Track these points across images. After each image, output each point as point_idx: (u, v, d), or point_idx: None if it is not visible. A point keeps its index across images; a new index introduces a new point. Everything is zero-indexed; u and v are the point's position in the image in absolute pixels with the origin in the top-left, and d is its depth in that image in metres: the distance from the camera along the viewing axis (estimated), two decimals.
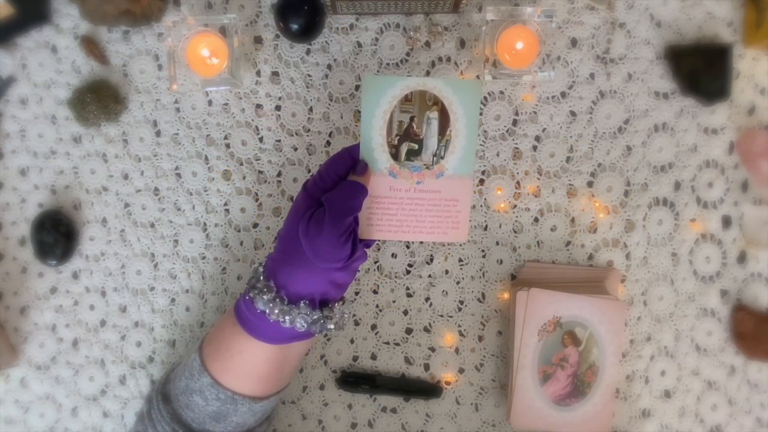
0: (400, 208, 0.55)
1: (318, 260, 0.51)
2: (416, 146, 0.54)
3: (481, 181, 0.68)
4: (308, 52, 0.68)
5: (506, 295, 0.68)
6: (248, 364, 0.55)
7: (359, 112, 0.68)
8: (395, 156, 0.54)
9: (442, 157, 0.55)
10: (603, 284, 0.67)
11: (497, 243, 0.68)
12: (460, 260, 0.68)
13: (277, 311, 0.52)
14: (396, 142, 0.54)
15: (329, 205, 0.51)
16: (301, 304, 0.52)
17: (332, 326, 0.54)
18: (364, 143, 0.54)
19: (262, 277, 0.53)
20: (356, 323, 0.69)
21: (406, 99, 0.54)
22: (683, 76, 0.66)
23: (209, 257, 0.69)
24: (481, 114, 0.67)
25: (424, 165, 0.55)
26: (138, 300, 0.69)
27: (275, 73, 0.68)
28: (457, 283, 0.68)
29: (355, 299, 0.68)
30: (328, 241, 0.50)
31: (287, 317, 0.52)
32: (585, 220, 0.68)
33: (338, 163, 0.53)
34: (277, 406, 0.63)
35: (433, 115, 0.54)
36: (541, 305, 0.64)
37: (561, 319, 0.64)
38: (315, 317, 0.52)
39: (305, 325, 0.52)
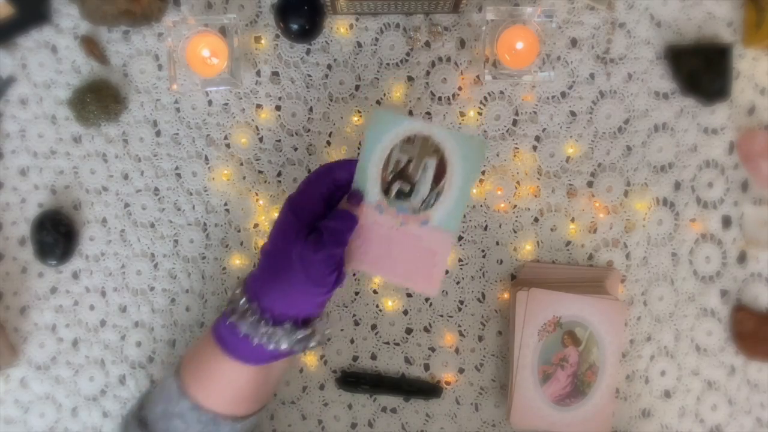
0: (379, 244, 0.54)
1: (313, 285, 0.50)
2: (408, 188, 0.53)
3: (481, 181, 0.68)
4: (308, 52, 0.68)
5: (506, 295, 0.68)
6: (230, 386, 0.54)
7: (359, 112, 0.68)
8: (386, 192, 0.54)
9: (431, 206, 0.53)
10: (603, 284, 0.67)
11: (497, 243, 0.68)
12: (460, 260, 0.68)
13: (261, 333, 0.51)
14: (389, 179, 0.53)
15: (329, 234, 0.50)
16: (286, 326, 0.51)
17: (314, 344, 0.53)
18: (359, 172, 0.53)
19: (242, 300, 0.52)
20: (356, 323, 0.69)
21: (409, 139, 0.53)
22: (683, 76, 0.66)
23: (209, 257, 0.69)
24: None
25: (412, 209, 0.54)
26: (138, 300, 0.69)
27: (275, 73, 0.68)
28: (457, 283, 0.68)
29: (355, 299, 0.68)
30: (324, 268, 0.50)
31: (272, 339, 0.51)
32: (585, 220, 0.68)
33: (319, 181, 0.53)
34: (260, 420, 0.62)
35: (431, 162, 0.53)
36: (541, 305, 0.64)
37: (561, 319, 0.64)
38: (299, 337, 0.52)
39: (289, 346, 0.52)
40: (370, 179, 0.54)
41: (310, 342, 0.53)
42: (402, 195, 0.53)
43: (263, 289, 0.52)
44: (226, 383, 0.54)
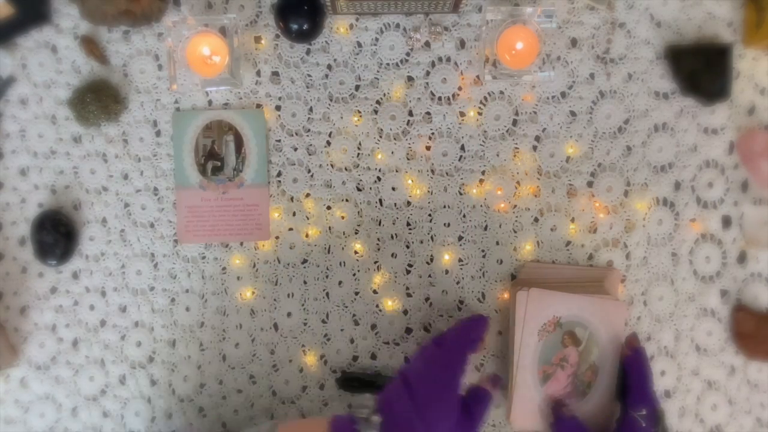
0: (211, 215, 0.67)
1: None
2: (219, 163, 0.67)
3: (481, 181, 0.68)
4: (308, 52, 0.68)
5: (506, 295, 0.68)
6: None
7: (358, 112, 0.68)
8: (203, 172, 0.67)
9: (241, 171, 0.67)
10: (603, 284, 0.67)
11: (497, 243, 0.68)
12: (460, 260, 0.68)
13: None
14: (203, 161, 0.67)
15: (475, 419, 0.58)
16: None
17: None
18: (177, 163, 0.67)
19: (375, 417, 0.54)
20: (356, 323, 0.69)
21: (207, 127, 0.67)
22: (683, 76, 0.66)
23: (209, 257, 0.69)
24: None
25: (227, 178, 0.67)
26: (138, 300, 0.69)
27: (275, 73, 0.68)
28: (457, 283, 0.68)
29: (355, 299, 0.68)
30: None
31: None
32: (585, 220, 0.68)
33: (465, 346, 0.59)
34: None
35: (230, 138, 0.67)
36: (541, 305, 0.64)
37: (561, 319, 0.64)
38: None
39: None
40: (186, 167, 0.67)
41: None
42: (216, 170, 0.67)
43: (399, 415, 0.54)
44: None
